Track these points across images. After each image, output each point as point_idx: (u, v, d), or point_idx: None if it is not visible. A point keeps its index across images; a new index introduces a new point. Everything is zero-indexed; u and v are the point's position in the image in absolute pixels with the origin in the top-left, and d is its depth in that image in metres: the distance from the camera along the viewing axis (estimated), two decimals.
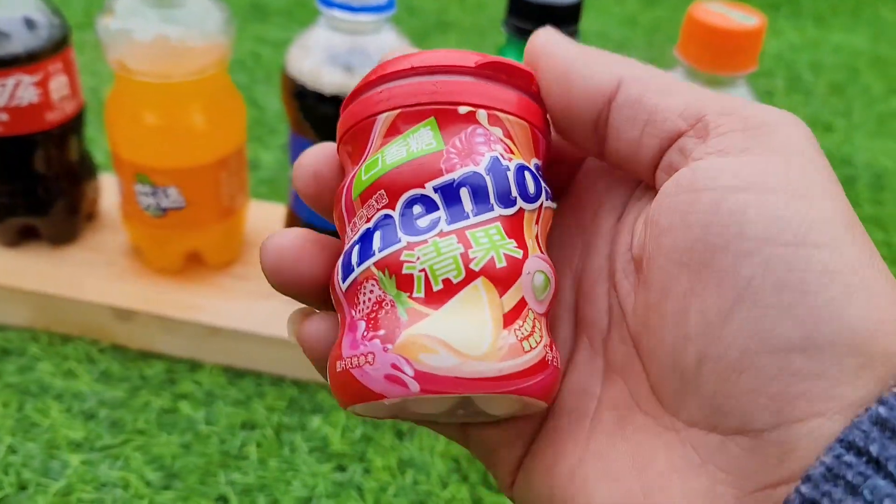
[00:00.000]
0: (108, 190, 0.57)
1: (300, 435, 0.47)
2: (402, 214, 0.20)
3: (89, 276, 0.52)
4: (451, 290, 0.19)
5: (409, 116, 0.20)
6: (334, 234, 0.22)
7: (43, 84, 0.48)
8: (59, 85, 0.49)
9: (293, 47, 0.46)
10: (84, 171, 0.54)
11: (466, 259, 0.19)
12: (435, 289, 0.19)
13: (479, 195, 0.20)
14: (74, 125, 0.52)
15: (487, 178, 0.20)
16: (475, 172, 0.20)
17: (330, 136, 0.46)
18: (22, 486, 0.44)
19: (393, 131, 0.20)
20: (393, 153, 0.20)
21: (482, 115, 0.20)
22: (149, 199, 0.49)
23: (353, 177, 0.21)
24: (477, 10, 0.94)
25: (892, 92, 0.87)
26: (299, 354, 0.49)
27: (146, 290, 0.51)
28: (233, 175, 0.51)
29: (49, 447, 0.46)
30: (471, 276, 0.19)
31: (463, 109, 0.20)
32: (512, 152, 0.20)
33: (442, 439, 0.48)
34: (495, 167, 0.20)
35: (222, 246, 0.53)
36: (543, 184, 0.21)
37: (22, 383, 0.49)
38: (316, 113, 0.45)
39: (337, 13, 0.43)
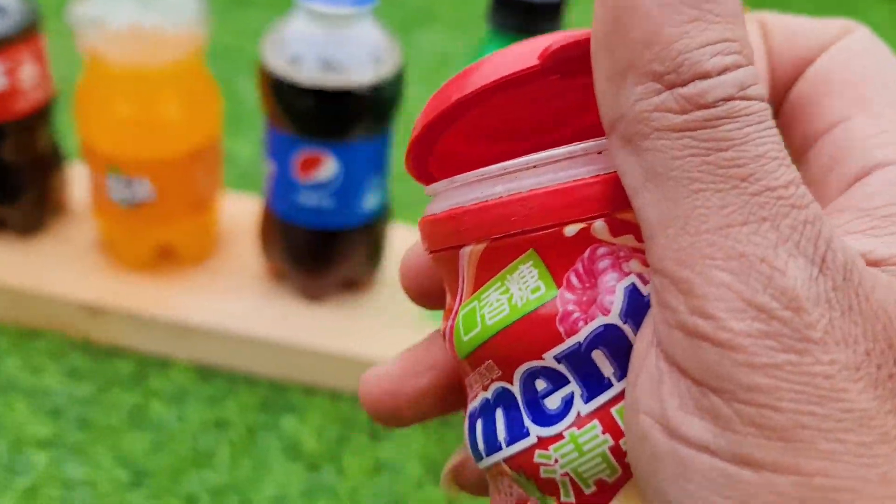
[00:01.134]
0: (78, 181, 0.56)
1: (273, 434, 0.47)
2: (523, 391, 0.15)
3: (58, 270, 0.51)
4: (607, 490, 0.15)
5: (501, 251, 0.15)
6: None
7: (12, 72, 0.47)
8: (28, 73, 0.48)
9: (269, 38, 0.45)
10: (53, 161, 0.53)
11: (619, 453, 0.15)
12: (587, 492, 0.15)
13: (620, 352, 0.15)
14: (44, 114, 0.50)
15: (626, 328, 0.14)
16: (607, 326, 0.14)
17: (306, 129, 0.45)
18: None
19: (484, 270, 0.15)
20: (492, 307, 0.15)
21: (600, 228, 0.14)
22: (120, 191, 0.48)
23: (452, 325, 0.16)
24: (461, 3, 0.93)
25: None
26: (273, 353, 0.48)
27: (116, 285, 0.50)
28: (207, 167, 0.49)
29: (15, 444, 0.44)
30: (629, 470, 0.15)
31: (570, 230, 0.14)
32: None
33: (417, 440, 0.47)
34: (634, 303, 0.14)
35: (195, 240, 0.52)
36: None
37: None
38: (293, 106, 0.44)
39: (315, 5, 0.42)
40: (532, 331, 0.15)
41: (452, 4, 0.93)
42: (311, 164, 0.46)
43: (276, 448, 0.46)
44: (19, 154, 0.50)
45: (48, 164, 0.52)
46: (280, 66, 0.44)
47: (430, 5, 0.92)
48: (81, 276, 0.51)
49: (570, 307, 0.14)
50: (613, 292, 0.14)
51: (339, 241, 0.49)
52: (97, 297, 0.49)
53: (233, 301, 0.50)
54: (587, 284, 0.15)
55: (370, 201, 0.48)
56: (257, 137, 0.69)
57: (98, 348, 0.50)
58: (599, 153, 0.15)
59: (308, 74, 0.43)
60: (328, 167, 0.46)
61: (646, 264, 0.14)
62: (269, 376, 0.50)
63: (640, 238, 0.14)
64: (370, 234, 0.50)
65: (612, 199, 0.14)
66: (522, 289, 0.15)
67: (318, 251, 0.49)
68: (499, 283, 0.15)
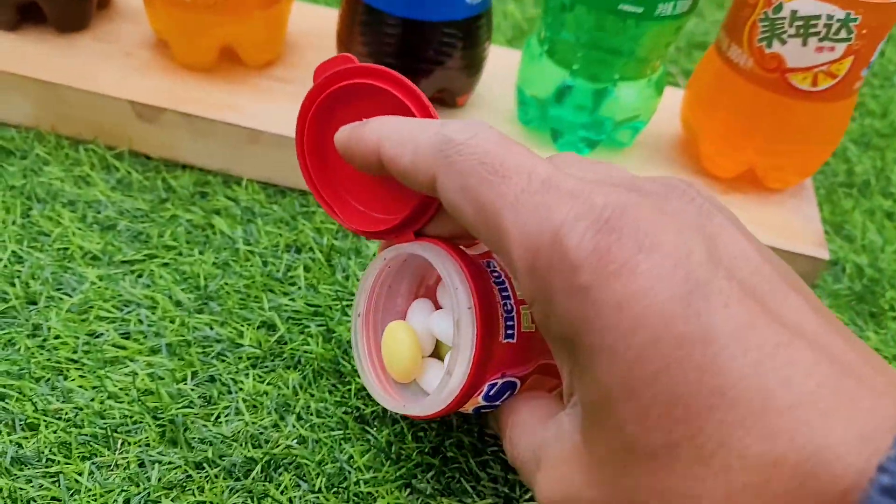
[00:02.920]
0: None
1: (354, 261, 0.41)
2: None
3: (103, 68, 0.44)
4: None
5: None
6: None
7: None
8: None
9: None
10: None
11: None
12: None
13: None
14: None
15: None
16: None
17: None
18: (31, 300, 0.37)
19: None
20: None
21: None
22: None
23: None
24: None
25: None
26: None
27: (171, 86, 0.43)
28: None
29: (61, 259, 0.39)
30: None
31: None
32: None
33: None
34: None
35: (262, 41, 0.45)
36: None
37: (27, 187, 0.41)
38: None
39: None
40: None
41: None
42: None
43: (358, 275, 0.40)
44: None
45: None
46: None
47: None
48: (131, 76, 0.44)
49: None
50: None
51: (433, 37, 0.41)
52: (149, 98, 0.42)
53: None
54: None
55: None
56: None
57: (150, 160, 0.44)
58: None
59: None
60: None
61: None
62: None
63: None
64: (469, 34, 0.42)
65: None
66: None
67: (408, 46, 0.42)
68: None
